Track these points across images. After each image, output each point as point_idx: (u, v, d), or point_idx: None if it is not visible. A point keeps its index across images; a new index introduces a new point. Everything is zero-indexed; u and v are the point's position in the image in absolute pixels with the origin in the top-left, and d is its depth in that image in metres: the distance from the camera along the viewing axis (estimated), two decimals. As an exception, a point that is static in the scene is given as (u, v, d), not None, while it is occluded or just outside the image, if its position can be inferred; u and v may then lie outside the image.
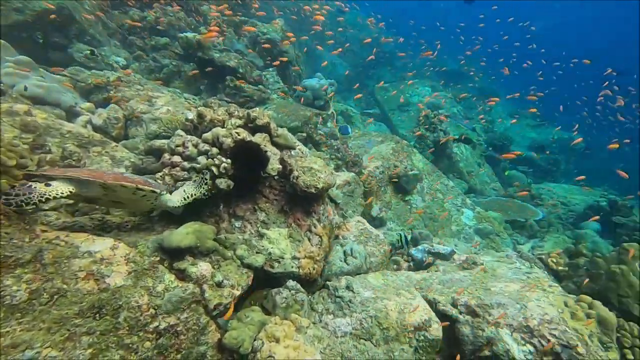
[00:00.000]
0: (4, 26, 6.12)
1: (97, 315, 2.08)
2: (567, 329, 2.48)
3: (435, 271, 3.53)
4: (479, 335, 2.57)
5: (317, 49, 14.70)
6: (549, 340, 2.40)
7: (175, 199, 2.61)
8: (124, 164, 4.26)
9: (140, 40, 8.47)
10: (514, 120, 14.90)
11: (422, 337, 2.54)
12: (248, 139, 2.85)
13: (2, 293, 1.94)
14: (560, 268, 3.78)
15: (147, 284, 2.20)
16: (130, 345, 2.11)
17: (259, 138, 2.93)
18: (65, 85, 5.61)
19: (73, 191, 2.22)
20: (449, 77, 17.70)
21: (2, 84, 4.59)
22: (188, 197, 2.64)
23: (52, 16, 6.45)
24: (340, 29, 15.11)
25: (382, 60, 17.10)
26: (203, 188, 2.68)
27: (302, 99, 8.66)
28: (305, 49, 13.14)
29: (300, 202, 3.12)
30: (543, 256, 3.92)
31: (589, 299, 2.75)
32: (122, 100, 5.94)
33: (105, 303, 2.10)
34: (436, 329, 2.57)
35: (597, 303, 2.74)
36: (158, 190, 2.47)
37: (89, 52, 7.05)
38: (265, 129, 3.07)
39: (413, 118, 12.35)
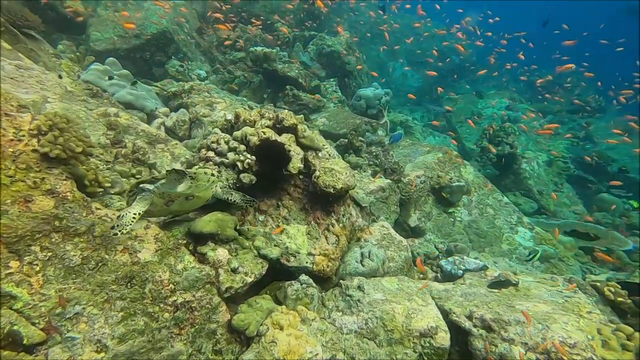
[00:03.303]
0: (125, 49, 7.83)
1: (129, 284, 2.44)
2: (593, 356, 2.21)
3: (461, 284, 3.35)
4: (492, 351, 2.41)
5: (384, 58, 14.54)
6: (567, 366, 2.17)
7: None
8: (180, 159, 4.81)
9: (221, 55, 9.45)
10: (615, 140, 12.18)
11: (427, 344, 2.47)
12: (273, 138, 3.06)
13: (63, 256, 2.39)
14: (619, 300, 3.27)
15: (170, 262, 2.51)
16: (153, 314, 2.43)
17: (284, 138, 3.12)
18: (154, 93, 6.61)
19: (144, 209, 2.56)
20: (534, 88, 15.91)
21: (105, 92, 5.57)
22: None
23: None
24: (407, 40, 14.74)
25: (458, 71, 16.23)
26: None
27: (356, 108, 8.84)
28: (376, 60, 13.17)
29: (321, 201, 3.24)
30: (598, 284, 3.44)
31: (630, 329, 2.39)
32: (190, 105, 6.72)
33: (135, 274, 2.45)
34: (442, 338, 2.48)
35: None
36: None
37: (179, 66, 8.25)
38: (292, 129, 3.26)
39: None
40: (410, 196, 5.12)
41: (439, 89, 12.49)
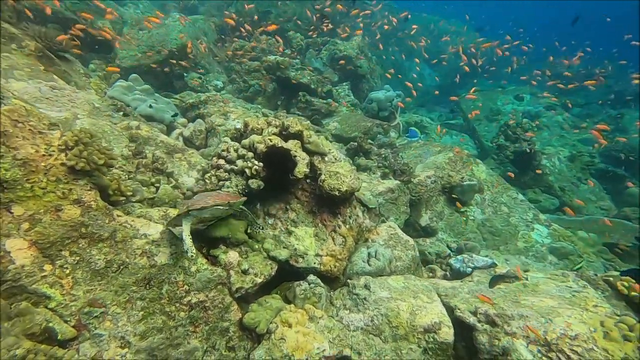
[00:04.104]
0: (147, 65, 8.38)
1: (148, 285, 2.64)
2: (594, 347, 2.20)
3: (469, 281, 3.36)
4: (495, 345, 2.44)
5: (399, 59, 14.46)
6: (568, 356, 2.17)
7: None
8: (197, 167, 5.06)
9: (237, 65, 9.81)
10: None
11: (431, 339, 2.53)
12: (279, 145, 3.20)
13: (89, 259, 2.62)
14: (633, 294, 3.18)
15: (184, 264, 2.70)
16: (170, 313, 2.62)
17: (290, 144, 3.26)
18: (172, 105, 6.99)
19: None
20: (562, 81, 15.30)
21: (128, 107, 5.96)
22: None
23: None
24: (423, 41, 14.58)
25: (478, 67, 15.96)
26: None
27: (368, 111, 8.92)
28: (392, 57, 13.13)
29: (328, 204, 3.35)
30: (611, 279, 3.35)
31: (632, 320, 2.34)
32: (207, 115, 7.03)
33: (153, 276, 2.65)
34: (446, 333, 2.53)
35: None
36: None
37: (197, 78, 8.67)
38: (297, 136, 3.40)
39: (502, 128, 11.33)
40: (421, 196, 5.14)
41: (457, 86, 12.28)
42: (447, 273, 3.85)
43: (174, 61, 8.55)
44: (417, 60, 13.46)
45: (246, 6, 10.93)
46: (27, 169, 2.61)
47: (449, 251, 4.65)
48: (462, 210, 5.46)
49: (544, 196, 8.47)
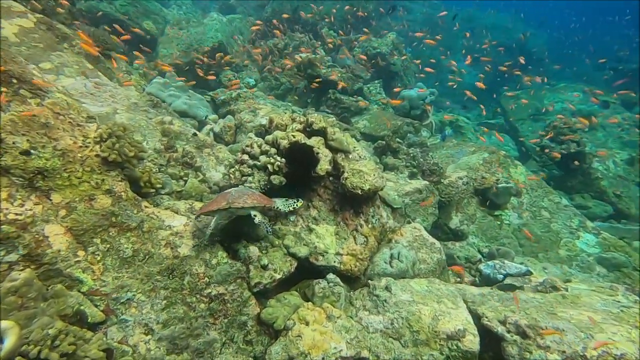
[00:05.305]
0: (185, 62, 8.77)
1: (171, 275, 2.72)
2: None
3: (500, 289, 3.15)
4: (526, 358, 2.26)
5: (441, 58, 13.89)
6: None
7: None
8: (224, 163, 5.17)
9: (270, 63, 9.96)
10: None
11: (454, 347, 2.40)
12: (302, 141, 3.18)
13: (118, 248, 2.74)
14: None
15: (205, 257, 2.75)
16: (190, 303, 2.68)
17: (313, 141, 3.23)
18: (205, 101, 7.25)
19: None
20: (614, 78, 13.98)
21: (164, 102, 6.26)
22: None
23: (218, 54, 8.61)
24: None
25: (525, 64, 14.94)
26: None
27: (399, 109, 8.69)
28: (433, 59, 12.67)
29: (350, 202, 3.28)
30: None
31: None
32: (237, 112, 7.19)
33: (176, 267, 2.72)
34: (471, 341, 2.38)
35: None
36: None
37: (231, 75, 8.92)
38: (321, 132, 3.35)
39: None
40: (451, 198, 4.91)
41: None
42: (476, 279, 3.64)
43: (208, 59, 8.81)
44: (453, 63, 12.88)
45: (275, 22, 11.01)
46: (66, 159, 2.76)
47: (479, 256, 4.41)
48: (496, 213, 5.15)
49: (594, 202, 7.80)
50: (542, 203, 5.59)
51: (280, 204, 3.01)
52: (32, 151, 2.59)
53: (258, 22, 10.83)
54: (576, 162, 7.43)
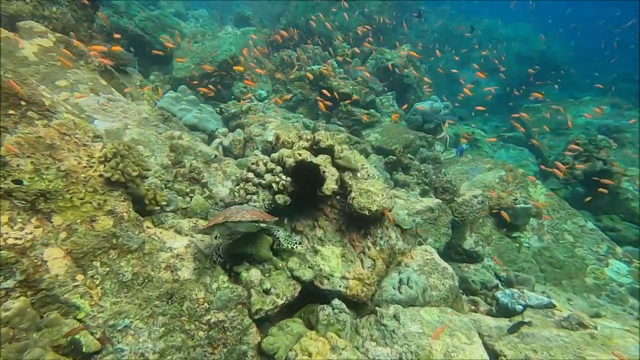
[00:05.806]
0: (199, 75, 8.94)
1: (170, 300, 2.63)
2: None
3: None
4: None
5: (453, 72, 13.61)
6: None
7: None
8: (231, 178, 5.12)
9: (282, 75, 10.01)
10: None
11: (467, 391, 2.20)
12: (308, 160, 3.07)
13: (118, 271, 2.68)
14: None
15: (206, 281, 2.65)
16: (189, 331, 2.58)
17: (319, 159, 3.12)
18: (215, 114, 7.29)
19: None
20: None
21: (175, 116, 6.31)
22: None
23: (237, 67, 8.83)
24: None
25: (547, 75, 14.32)
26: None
27: (412, 122, 8.53)
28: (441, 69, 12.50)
29: (358, 223, 3.14)
30: None
31: None
32: (246, 125, 7.18)
33: (175, 292, 2.63)
34: (485, 386, 2.18)
35: None
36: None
37: (243, 87, 9.00)
38: (328, 150, 3.24)
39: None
40: (465, 218, 4.68)
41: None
42: (493, 308, 3.41)
43: (221, 72, 8.91)
44: (462, 81, 12.57)
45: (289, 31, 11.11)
46: (69, 180, 2.73)
47: (496, 281, 4.14)
48: (514, 235, 4.87)
49: (624, 224, 7.27)
50: (564, 225, 5.25)
51: (282, 236, 2.91)
52: (23, 181, 2.53)
53: (278, 34, 10.93)
54: (603, 181, 6.98)
